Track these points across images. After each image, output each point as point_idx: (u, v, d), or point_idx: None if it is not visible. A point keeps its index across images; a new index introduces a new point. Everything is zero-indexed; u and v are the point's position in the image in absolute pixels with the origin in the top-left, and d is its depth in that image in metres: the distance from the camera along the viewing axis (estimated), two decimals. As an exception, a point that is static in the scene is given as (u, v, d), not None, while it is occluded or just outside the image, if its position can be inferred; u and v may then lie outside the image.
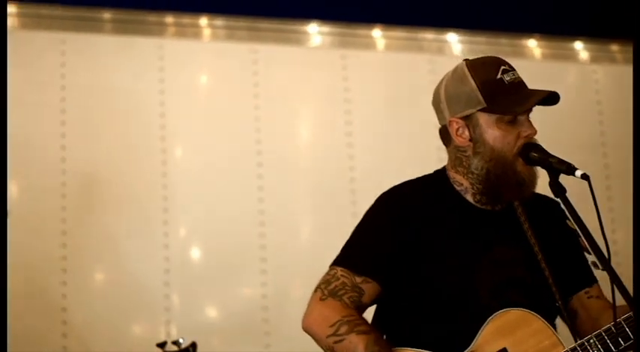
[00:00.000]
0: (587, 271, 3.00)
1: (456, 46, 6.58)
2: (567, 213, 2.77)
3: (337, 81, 6.18)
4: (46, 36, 5.70)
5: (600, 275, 2.82)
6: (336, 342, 2.80)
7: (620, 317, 2.78)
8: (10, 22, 5.64)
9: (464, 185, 2.95)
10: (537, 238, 2.95)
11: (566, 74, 6.80)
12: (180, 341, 4.69)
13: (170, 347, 4.68)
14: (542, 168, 2.82)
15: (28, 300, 5.24)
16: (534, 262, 2.93)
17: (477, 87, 2.84)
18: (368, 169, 6.08)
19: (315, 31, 6.28)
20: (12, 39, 5.53)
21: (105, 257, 5.59)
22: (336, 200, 6.02)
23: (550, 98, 2.87)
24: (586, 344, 2.79)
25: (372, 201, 5.78)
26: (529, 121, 2.86)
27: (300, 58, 6.23)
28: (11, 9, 5.61)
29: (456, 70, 2.92)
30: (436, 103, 2.99)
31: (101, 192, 5.64)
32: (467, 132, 2.89)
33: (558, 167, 2.76)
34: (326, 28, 6.28)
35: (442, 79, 2.99)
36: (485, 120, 2.85)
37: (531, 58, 6.74)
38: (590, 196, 2.71)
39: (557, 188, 2.75)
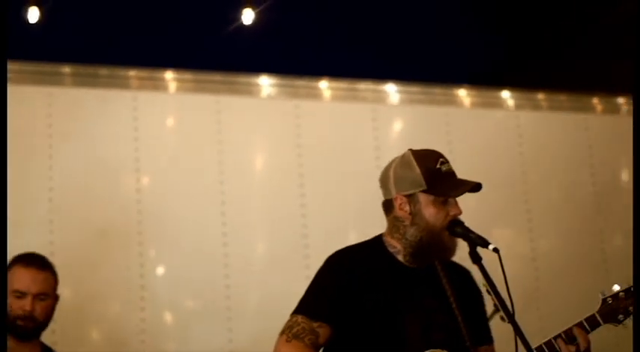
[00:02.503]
0: (488, 331, 3.73)
1: (394, 95, 7.20)
2: (482, 276, 3.42)
3: (290, 128, 6.75)
4: (34, 90, 6.16)
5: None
6: None
7: None
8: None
9: (397, 248, 3.62)
10: (454, 293, 3.60)
11: (492, 120, 7.47)
12: None
13: None
14: (464, 240, 3.50)
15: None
16: (451, 311, 3.57)
17: (421, 173, 3.54)
18: (317, 205, 6.68)
19: (270, 83, 6.80)
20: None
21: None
22: (288, 232, 6.60)
23: (475, 187, 3.56)
24: None
25: (318, 226, 6.47)
26: (456, 202, 3.56)
27: (258, 107, 6.75)
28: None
29: (403, 157, 3.62)
30: (384, 181, 3.67)
31: (85, 218, 6.10)
32: (408, 207, 3.57)
33: (476, 241, 3.45)
34: (280, 81, 6.82)
35: (391, 163, 3.67)
36: (424, 199, 3.54)
37: (461, 106, 7.41)
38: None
39: (475, 257, 3.45)
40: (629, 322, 3.66)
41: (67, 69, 6.33)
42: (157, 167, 6.42)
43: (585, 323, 3.59)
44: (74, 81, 6.33)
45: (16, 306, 4.38)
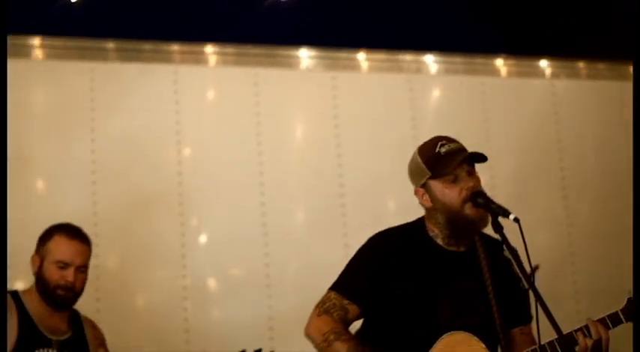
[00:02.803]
0: (525, 311, 3.84)
1: (431, 66, 7.32)
2: (504, 245, 3.59)
3: (328, 99, 6.88)
4: (77, 65, 6.33)
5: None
6: (327, 346, 3.70)
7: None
8: (41, 53, 6.32)
9: (435, 232, 3.82)
10: (491, 276, 3.77)
11: (528, 88, 7.53)
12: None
13: None
14: (485, 210, 3.66)
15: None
16: (486, 294, 3.75)
17: (423, 162, 3.74)
18: (355, 175, 6.84)
19: (308, 55, 6.94)
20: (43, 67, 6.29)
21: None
22: (326, 201, 6.78)
23: (478, 158, 3.72)
24: None
25: (355, 196, 6.56)
26: (469, 176, 3.73)
27: (296, 79, 6.90)
28: (49, 41, 6.28)
29: (413, 155, 3.81)
30: (410, 179, 3.89)
31: (128, 189, 6.29)
32: (427, 196, 3.77)
33: (497, 211, 3.60)
34: (318, 53, 6.96)
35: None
36: (434, 184, 3.74)
37: (497, 75, 7.49)
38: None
39: (496, 226, 3.61)
40: None
41: (109, 44, 6.47)
42: (197, 139, 6.57)
43: (607, 320, 3.69)
44: (116, 56, 6.48)
45: (58, 276, 4.52)
